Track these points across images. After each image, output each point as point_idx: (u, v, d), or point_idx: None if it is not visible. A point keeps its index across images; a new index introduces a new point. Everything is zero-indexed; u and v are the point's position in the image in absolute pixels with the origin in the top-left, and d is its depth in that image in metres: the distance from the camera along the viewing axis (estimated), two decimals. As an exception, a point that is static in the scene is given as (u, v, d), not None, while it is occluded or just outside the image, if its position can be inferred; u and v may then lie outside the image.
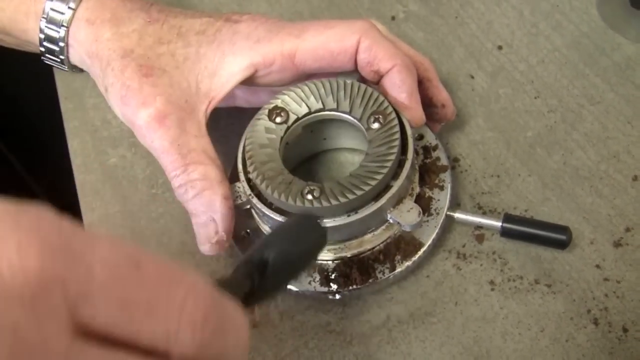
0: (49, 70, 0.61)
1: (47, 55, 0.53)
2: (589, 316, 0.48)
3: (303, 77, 0.51)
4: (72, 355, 0.21)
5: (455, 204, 0.52)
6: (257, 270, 0.33)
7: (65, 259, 0.22)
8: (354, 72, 0.50)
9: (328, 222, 0.45)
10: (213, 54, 0.49)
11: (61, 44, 0.51)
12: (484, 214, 0.52)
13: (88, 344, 0.22)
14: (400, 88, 0.48)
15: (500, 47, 0.61)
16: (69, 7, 0.50)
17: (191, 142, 0.47)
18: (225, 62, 0.48)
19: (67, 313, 0.22)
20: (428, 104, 0.51)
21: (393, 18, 0.64)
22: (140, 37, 0.49)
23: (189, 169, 0.46)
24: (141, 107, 0.47)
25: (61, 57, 0.53)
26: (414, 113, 0.48)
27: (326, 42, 0.48)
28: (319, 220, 0.41)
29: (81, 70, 0.55)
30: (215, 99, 0.49)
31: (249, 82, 0.50)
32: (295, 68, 0.49)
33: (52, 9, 0.51)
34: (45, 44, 0.52)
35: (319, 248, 0.39)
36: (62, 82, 0.64)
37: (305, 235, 0.37)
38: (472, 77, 0.59)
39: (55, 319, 0.21)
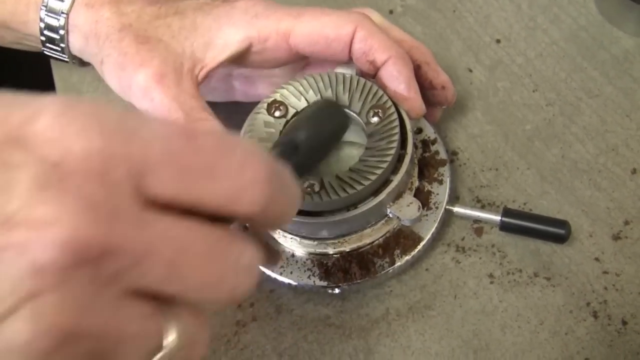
0: (46, 64, 0.61)
1: (47, 45, 0.53)
2: (588, 309, 0.48)
3: (296, 61, 0.51)
4: (143, 223, 0.23)
5: (454, 198, 0.52)
6: (289, 151, 0.34)
7: (124, 137, 0.23)
8: (348, 63, 0.50)
9: (327, 217, 0.45)
10: (209, 25, 0.49)
11: (61, 31, 0.52)
12: (483, 207, 0.52)
13: (156, 213, 0.23)
14: (397, 79, 0.48)
15: (498, 41, 0.61)
16: None
17: (191, 100, 0.47)
18: (221, 32, 0.49)
19: (133, 186, 0.23)
20: (428, 87, 0.51)
21: (391, 12, 0.64)
22: (138, 15, 0.50)
23: (196, 125, 0.46)
24: (139, 68, 0.47)
25: (62, 45, 0.53)
26: (413, 103, 0.48)
27: (322, 27, 0.48)
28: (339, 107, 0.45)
29: (81, 63, 0.55)
30: (209, 66, 0.49)
31: (243, 61, 0.50)
32: (289, 49, 0.49)
33: None
34: (45, 32, 0.52)
35: (342, 129, 0.44)
36: (59, 77, 0.64)
37: (329, 118, 0.41)
38: (471, 71, 0.59)
39: (124, 191, 0.23)
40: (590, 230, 0.51)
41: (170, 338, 0.24)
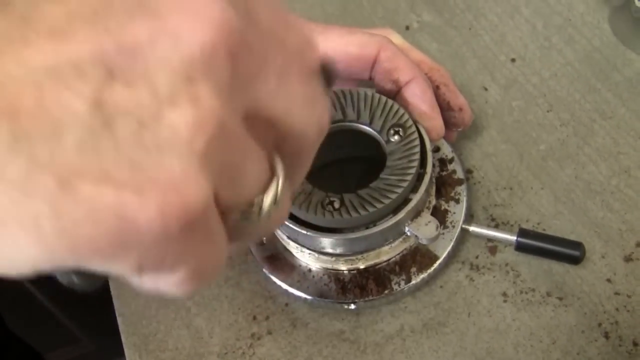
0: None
1: None
2: (599, 330, 0.48)
3: None
4: (263, 34, 0.23)
5: (469, 215, 0.53)
6: None
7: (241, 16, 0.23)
8: (368, 83, 0.51)
9: (346, 234, 0.45)
10: None
11: None
12: (497, 226, 0.53)
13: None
14: (421, 98, 0.48)
15: (513, 60, 0.61)
16: None
17: None
18: None
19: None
20: (445, 108, 0.52)
21: (407, 28, 0.64)
22: None
23: None
24: None
25: None
26: (436, 123, 0.49)
27: (346, 45, 0.49)
28: None
29: None
30: None
31: None
32: None
33: None
34: None
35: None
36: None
37: None
38: (486, 89, 0.60)
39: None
40: (603, 251, 0.51)
41: (280, 178, 0.24)
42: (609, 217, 0.53)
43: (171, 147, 0.20)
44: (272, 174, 0.24)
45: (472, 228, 0.50)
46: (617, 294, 0.50)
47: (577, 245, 0.49)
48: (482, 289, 0.51)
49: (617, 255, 0.51)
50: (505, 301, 0.50)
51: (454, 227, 0.50)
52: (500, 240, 0.51)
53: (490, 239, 0.52)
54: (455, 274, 0.51)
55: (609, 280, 0.50)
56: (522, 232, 0.49)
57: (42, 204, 0.18)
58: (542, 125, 0.58)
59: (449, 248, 0.49)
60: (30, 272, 0.20)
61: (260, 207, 0.24)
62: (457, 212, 0.50)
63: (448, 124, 0.52)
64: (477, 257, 0.52)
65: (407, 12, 0.65)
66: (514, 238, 0.49)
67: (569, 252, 0.48)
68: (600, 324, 0.49)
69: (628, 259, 0.51)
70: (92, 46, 0.19)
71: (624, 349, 0.48)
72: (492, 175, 0.56)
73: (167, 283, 0.22)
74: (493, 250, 0.52)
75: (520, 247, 0.49)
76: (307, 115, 0.25)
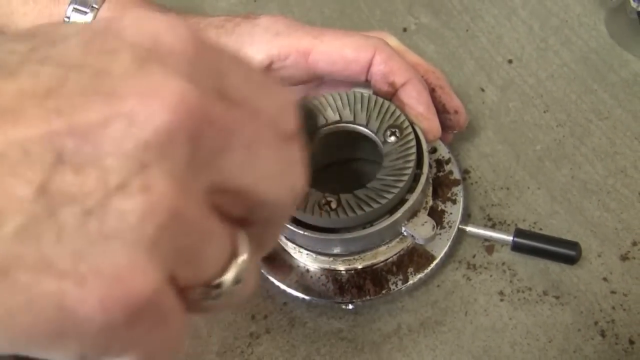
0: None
1: None
2: (596, 328, 0.49)
3: (312, 81, 0.52)
4: (229, 104, 0.22)
5: (465, 215, 0.53)
6: None
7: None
8: (364, 84, 0.51)
9: (343, 234, 0.46)
10: (232, 45, 0.50)
11: None
12: (494, 225, 0.53)
13: (232, 101, 0.23)
14: (417, 100, 0.49)
15: (510, 61, 0.62)
16: (92, 7, 0.52)
17: None
18: (242, 52, 0.50)
19: (218, 76, 0.23)
20: (441, 110, 0.52)
21: (405, 30, 0.65)
22: None
23: None
24: None
25: None
26: (432, 124, 0.49)
27: (342, 48, 0.49)
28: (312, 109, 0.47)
29: None
30: None
31: None
32: (308, 67, 0.50)
33: (75, 9, 0.52)
34: None
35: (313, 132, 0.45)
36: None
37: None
38: (483, 90, 0.61)
39: (214, 75, 0.23)
40: (599, 250, 0.52)
41: (241, 258, 0.24)
42: (605, 216, 0.53)
43: (117, 236, 0.19)
44: (235, 251, 0.24)
45: (469, 228, 0.51)
46: (613, 292, 0.50)
47: (573, 245, 0.49)
48: (479, 288, 0.51)
49: (613, 254, 0.51)
50: (502, 300, 0.50)
51: (450, 227, 0.50)
52: (496, 240, 0.52)
53: (486, 239, 0.52)
54: (452, 273, 0.52)
55: (605, 279, 0.51)
56: (519, 232, 0.50)
57: None
58: (539, 126, 0.58)
59: (446, 248, 0.49)
60: None
61: (221, 287, 0.23)
62: (454, 212, 0.51)
63: (443, 126, 0.53)
64: (474, 257, 0.52)
65: (404, 14, 0.66)
66: (510, 238, 0.50)
67: (565, 252, 0.49)
68: (596, 323, 0.49)
69: (624, 257, 0.51)
70: (42, 128, 0.19)
71: (620, 347, 0.48)
72: (489, 175, 0.56)
73: None
74: (490, 249, 0.52)
75: (516, 247, 0.50)
76: (279, 184, 0.24)
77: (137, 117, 0.20)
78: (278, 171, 0.24)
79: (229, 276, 0.23)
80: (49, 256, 0.18)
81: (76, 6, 0.52)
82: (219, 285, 0.23)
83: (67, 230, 0.19)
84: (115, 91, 0.20)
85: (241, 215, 0.24)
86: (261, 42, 0.50)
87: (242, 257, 0.24)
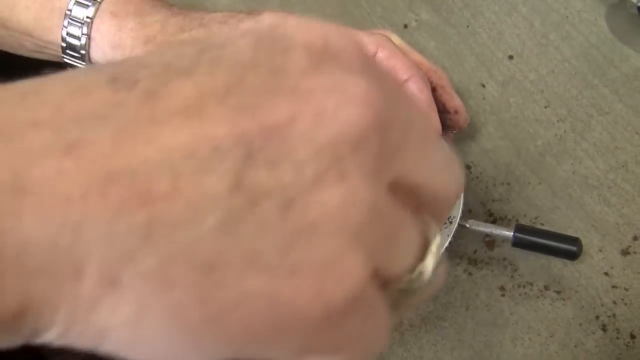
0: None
1: (68, 51, 0.54)
2: (597, 322, 0.49)
3: None
4: (403, 104, 0.22)
5: (466, 211, 0.53)
6: None
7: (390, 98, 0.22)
8: None
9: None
10: None
11: (84, 37, 0.53)
12: (495, 221, 0.53)
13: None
14: (419, 97, 0.49)
15: (511, 57, 0.62)
16: (94, 0, 0.52)
17: None
18: None
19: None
20: (441, 110, 0.52)
21: (405, 26, 0.65)
22: (162, 27, 0.51)
23: None
24: None
25: (82, 52, 0.54)
26: (433, 121, 0.49)
27: None
28: None
29: None
30: None
31: None
32: None
33: (76, 2, 0.52)
34: (68, 39, 0.53)
35: None
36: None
37: None
38: (484, 86, 0.61)
39: (386, 73, 0.22)
40: (600, 245, 0.52)
41: (435, 243, 0.23)
42: (606, 211, 0.53)
43: (321, 227, 0.19)
44: (427, 239, 0.23)
45: (470, 224, 0.51)
46: (614, 287, 0.50)
47: (574, 241, 0.49)
48: (480, 283, 0.51)
49: (614, 248, 0.52)
50: (503, 295, 0.51)
51: (451, 223, 0.50)
52: (497, 236, 0.52)
53: (487, 234, 0.52)
54: (453, 268, 0.52)
55: (606, 274, 0.51)
56: (519, 228, 0.50)
57: (185, 292, 0.17)
58: (540, 121, 0.58)
59: (447, 244, 0.50)
60: None
61: (422, 274, 0.23)
62: (455, 208, 0.51)
63: (443, 126, 0.53)
64: (475, 252, 0.52)
65: (405, 11, 0.66)
66: (510, 234, 0.50)
67: (566, 248, 0.49)
68: (597, 317, 0.49)
69: (625, 252, 0.51)
70: (230, 125, 0.18)
71: (621, 341, 0.48)
72: (490, 170, 0.56)
73: None
74: (491, 244, 0.52)
75: (517, 243, 0.50)
76: (448, 178, 0.24)
77: (326, 112, 0.19)
78: (447, 164, 0.24)
79: (428, 263, 0.23)
80: (253, 250, 0.18)
81: (78, 0, 0.52)
82: (419, 275, 0.23)
83: (269, 224, 0.18)
84: (297, 88, 0.20)
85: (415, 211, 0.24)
86: None
87: (436, 243, 0.23)
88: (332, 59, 0.21)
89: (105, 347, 0.18)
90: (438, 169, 0.23)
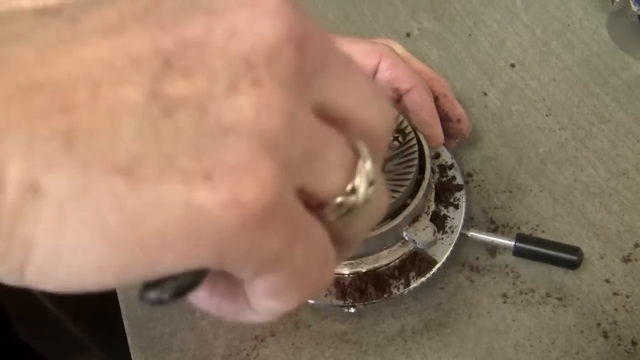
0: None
1: None
2: (598, 329, 0.49)
3: None
4: (323, 31, 0.22)
5: (468, 219, 0.54)
6: None
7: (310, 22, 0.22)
8: None
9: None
10: None
11: None
12: (496, 228, 0.54)
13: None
14: (421, 107, 0.49)
15: (512, 65, 0.62)
16: None
17: None
18: None
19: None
20: (444, 118, 0.53)
21: (408, 35, 0.66)
22: None
23: None
24: None
25: None
26: (435, 130, 0.50)
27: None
28: None
29: None
30: None
31: None
32: None
33: None
34: None
35: None
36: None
37: None
38: (485, 94, 0.61)
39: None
40: (601, 252, 0.52)
41: (367, 161, 0.23)
42: (608, 218, 0.54)
43: (236, 130, 0.19)
44: (357, 156, 0.23)
45: (471, 233, 0.51)
46: (615, 294, 0.50)
47: (575, 250, 0.49)
48: (482, 290, 0.52)
49: (615, 256, 0.52)
50: (505, 302, 0.51)
51: (452, 232, 0.51)
52: (498, 245, 0.52)
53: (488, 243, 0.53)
54: (455, 275, 0.52)
55: (607, 281, 0.51)
56: (520, 238, 0.50)
57: (104, 197, 0.18)
58: (541, 129, 0.59)
59: (448, 252, 0.50)
60: (99, 283, 0.19)
61: (356, 192, 0.22)
62: (457, 217, 0.51)
63: (446, 134, 0.53)
64: (477, 259, 0.53)
65: (407, 19, 0.66)
66: (512, 243, 0.50)
67: (567, 257, 0.49)
68: (599, 324, 0.49)
69: (626, 259, 0.52)
70: (148, 40, 0.19)
71: (622, 348, 0.48)
72: (491, 178, 0.57)
73: (267, 290, 0.21)
74: (493, 252, 0.53)
75: (518, 252, 0.50)
76: (375, 108, 0.24)
77: (240, 24, 0.20)
78: (373, 96, 0.24)
79: (361, 178, 0.22)
80: (170, 155, 0.18)
81: None
82: (353, 191, 0.22)
83: (184, 129, 0.19)
84: (213, 6, 0.20)
85: None
86: None
87: (368, 161, 0.23)
88: None
89: (32, 267, 0.18)
90: (365, 98, 0.23)
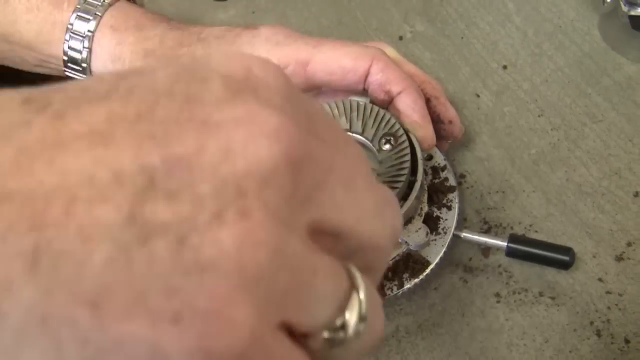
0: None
1: (69, 65, 0.56)
2: (592, 328, 0.50)
3: (310, 91, 0.53)
4: (326, 141, 0.21)
5: (461, 219, 0.54)
6: None
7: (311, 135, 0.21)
8: (361, 92, 0.52)
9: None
10: None
11: (85, 50, 0.54)
12: (489, 229, 0.54)
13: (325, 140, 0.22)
14: (413, 109, 0.50)
15: (505, 67, 0.63)
16: (95, 14, 0.53)
17: None
18: None
19: (309, 117, 0.21)
20: (436, 120, 0.53)
21: (400, 38, 0.66)
22: (161, 40, 0.52)
23: None
24: None
25: (84, 65, 0.55)
26: (427, 132, 0.50)
27: (340, 58, 0.50)
28: None
29: None
30: None
31: None
32: (307, 77, 0.51)
33: (78, 16, 0.54)
34: (69, 52, 0.54)
35: None
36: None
37: None
38: (478, 96, 0.62)
39: (308, 114, 0.21)
40: (594, 251, 0.52)
41: (361, 291, 0.21)
42: (600, 218, 0.54)
43: (215, 267, 0.17)
44: (351, 287, 0.21)
45: (464, 234, 0.52)
46: (608, 292, 0.51)
47: (567, 251, 0.50)
48: (475, 290, 0.52)
49: (608, 255, 0.52)
50: (498, 302, 0.51)
51: (445, 233, 0.51)
52: (491, 246, 0.53)
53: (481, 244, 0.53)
54: (449, 276, 0.53)
55: (600, 280, 0.51)
56: (513, 239, 0.51)
57: (65, 328, 0.16)
58: (534, 130, 0.59)
59: (441, 254, 0.50)
60: None
61: (345, 327, 0.21)
62: (449, 218, 0.52)
63: (438, 136, 0.54)
64: (470, 260, 0.53)
65: (400, 22, 0.67)
66: (504, 244, 0.50)
67: (559, 258, 0.50)
68: (592, 323, 0.50)
69: (619, 258, 0.52)
70: (133, 152, 0.18)
71: (615, 346, 0.49)
72: (484, 179, 0.57)
73: None
74: (486, 252, 0.53)
75: (510, 253, 0.51)
76: (379, 223, 0.23)
77: (235, 144, 0.19)
78: (377, 210, 0.23)
79: (352, 313, 0.21)
80: (139, 291, 0.17)
81: (80, 14, 0.54)
82: (343, 327, 0.21)
83: (160, 261, 0.17)
84: (209, 118, 0.19)
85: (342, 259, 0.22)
86: (261, 52, 0.51)
87: (362, 290, 0.21)
88: (250, 91, 0.20)
89: None
90: (366, 213, 0.22)
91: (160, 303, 0.17)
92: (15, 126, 0.18)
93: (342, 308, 0.21)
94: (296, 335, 0.20)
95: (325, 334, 0.21)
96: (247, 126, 0.19)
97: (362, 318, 0.21)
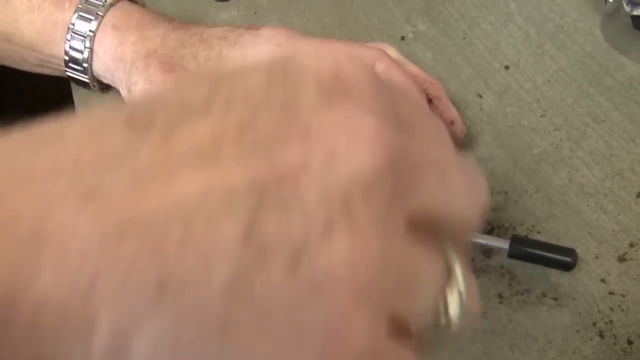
0: (67, 90, 0.64)
1: (70, 65, 0.55)
2: (594, 329, 0.49)
3: None
4: (419, 137, 0.21)
5: (464, 220, 0.54)
6: None
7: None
8: None
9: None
10: (234, 56, 0.51)
11: (86, 50, 0.54)
12: (492, 229, 0.54)
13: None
14: None
15: (507, 67, 0.63)
16: (97, 14, 0.53)
17: None
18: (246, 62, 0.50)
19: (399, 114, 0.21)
20: None
21: (403, 38, 0.66)
22: (163, 40, 0.52)
23: None
24: None
25: (84, 65, 0.55)
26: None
27: None
28: None
29: (101, 87, 0.57)
30: None
31: None
32: None
33: (80, 16, 0.54)
34: (70, 52, 0.54)
35: None
36: (82, 103, 0.66)
37: None
38: (480, 96, 0.61)
39: (401, 108, 0.21)
40: (597, 252, 0.52)
41: (458, 271, 0.22)
42: (603, 218, 0.54)
43: (329, 284, 0.17)
44: (448, 269, 0.22)
45: (466, 233, 0.51)
46: (611, 293, 0.51)
47: (569, 252, 0.49)
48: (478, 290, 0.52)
49: (610, 255, 0.52)
50: (500, 302, 0.51)
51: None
52: (493, 247, 0.52)
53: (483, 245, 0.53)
54: (451, 277, 0.53)
55: (603, 281, 0.51)
56: (515, 240, 0.50)
57: (194, 357, 0.17)
58: (536, 130, 0.59)
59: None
60: None
61: (447, 308, 0.22)
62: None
63: None
64: (472, 260, 0.53)
65: (402, 23, 0.67)
66: (506, 246, 0.50)
67: (562, 259, 0.49)
68: (595, 324, 0.50)
69: (622, 259, 0.52)
70: (242, 172, 0.18)
71: (618, 347, 0.48)
72: (487, 179, 0.57)
73: None
74: (488, 253, 0.53)
75: (512, 254, 0.50)
76: (470, 202, 0.23)
77: (338, 155, 0.18)
78: (467, 190, 0.23)
79: (453, 295, 0.22)
80: (263, 309, 0.17)
81: (81, 14, 0.54)
82: (445, 308, 0.22)
83: (278, 280, 0.17)
84: (309, 128, 0.19)
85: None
86: (263, 53, 0.51)
87: (458, 270, 0.22)
88: (344, 91, 0.20)
89: None
90: (460, 194, 0.22)
91: (283, 321, 0.17)
92: (124, 151, 0.18)
93: (444, 290, 0.22)
94: (402, 328, 0.20)
95: (428, 322, 0.21)
96: (347, 132, 0.19)
97: (461, 295, 0.22)
